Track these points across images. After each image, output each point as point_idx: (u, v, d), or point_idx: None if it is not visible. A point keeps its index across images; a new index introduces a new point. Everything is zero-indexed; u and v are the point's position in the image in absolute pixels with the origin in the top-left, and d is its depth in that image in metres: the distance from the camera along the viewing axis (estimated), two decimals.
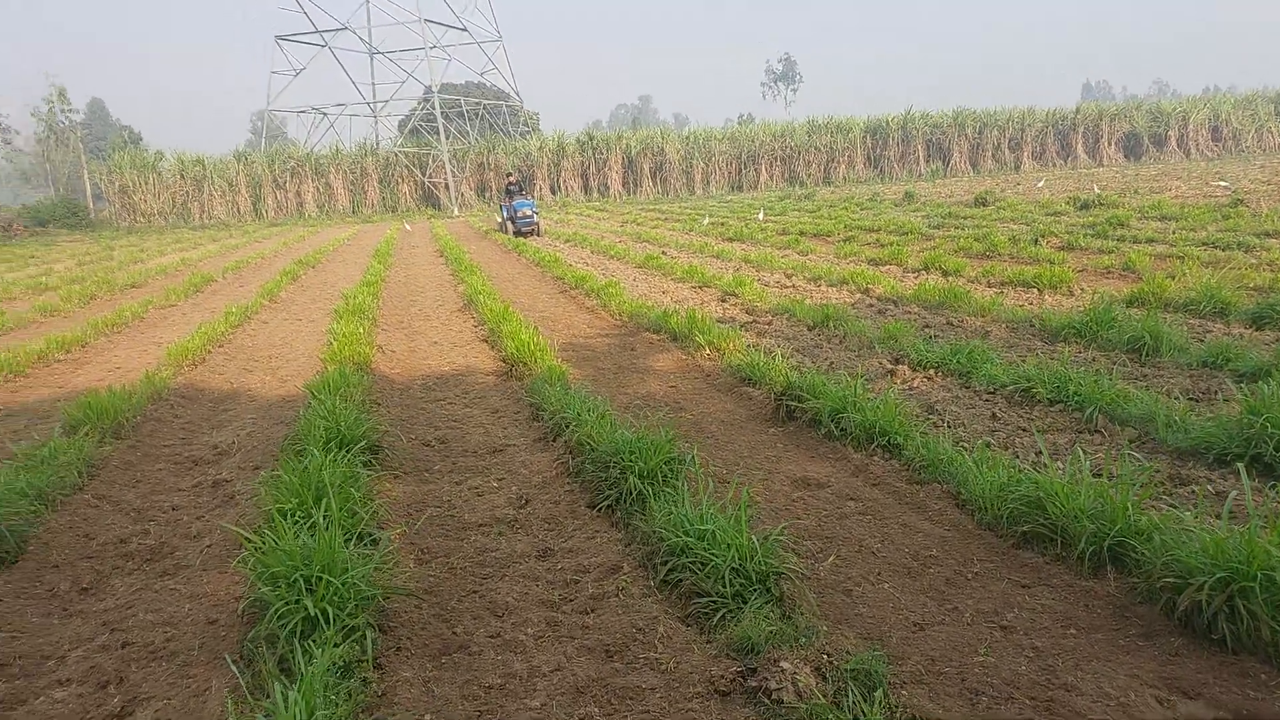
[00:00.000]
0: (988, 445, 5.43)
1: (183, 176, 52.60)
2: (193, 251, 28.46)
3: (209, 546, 4.59)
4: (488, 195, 53.68)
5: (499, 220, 30.01)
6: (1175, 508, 4.10)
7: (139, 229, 48.79)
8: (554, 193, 55.89)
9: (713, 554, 3.65)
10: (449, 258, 20.16)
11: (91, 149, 73.23)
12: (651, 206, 44.43)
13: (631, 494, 4.58)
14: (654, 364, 8.55)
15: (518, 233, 27.05)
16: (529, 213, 27.44)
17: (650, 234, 24.57)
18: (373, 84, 62.91)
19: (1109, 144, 63.68)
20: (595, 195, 56.21)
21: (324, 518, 3.76)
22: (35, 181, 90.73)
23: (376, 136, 60.59)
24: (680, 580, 3.73)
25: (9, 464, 5.53)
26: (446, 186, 53.51)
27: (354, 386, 6.95)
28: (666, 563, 3.85)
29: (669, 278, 14.86)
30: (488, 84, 68.47)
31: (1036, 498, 4.05)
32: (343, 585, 3.30)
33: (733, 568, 3.56)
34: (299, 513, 4.02)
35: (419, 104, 63.10)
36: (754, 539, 3.65)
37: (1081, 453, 4.22)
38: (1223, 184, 27.36)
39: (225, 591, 4.01)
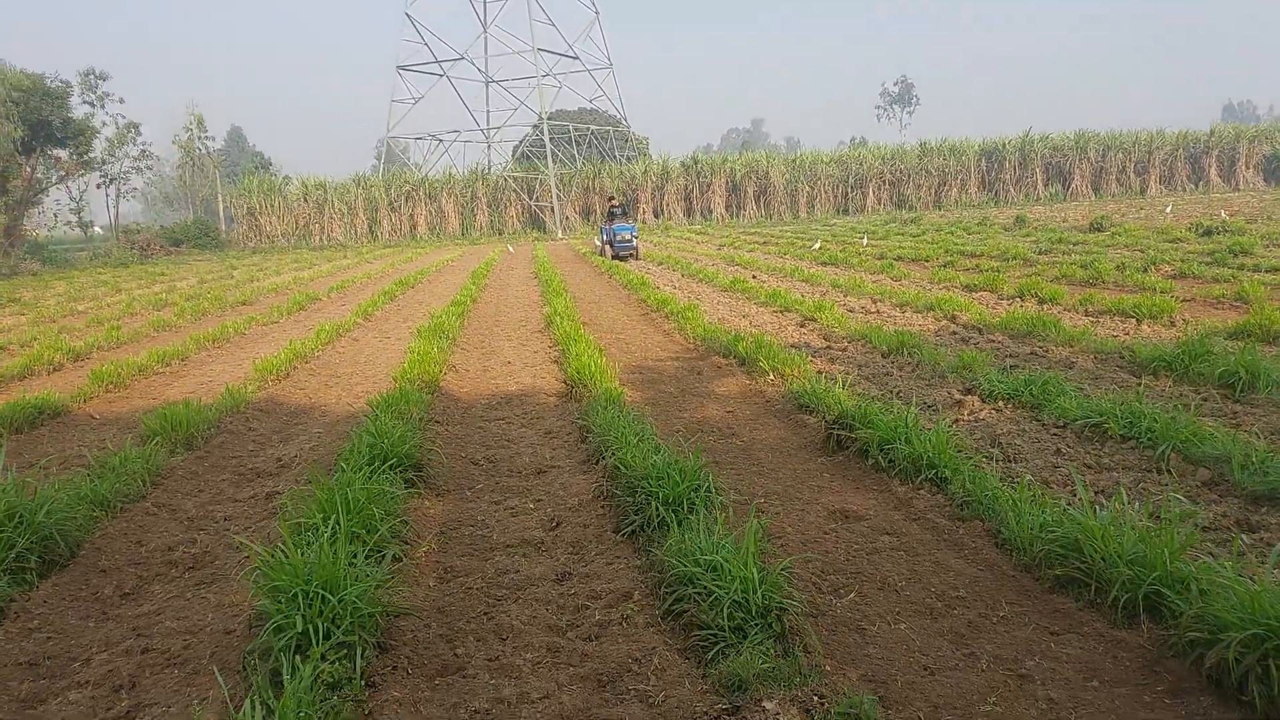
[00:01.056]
0: (1045, 483, 5.16)
1: (305, 200, 55.30)
2: (306, 271, 29.80)
3: (246, 558, 4.74)
4: (592, 218, 54.46)
5: (597, 243, 30.08)
6: (1230, 555, 3.79)
7: (264, 249, 51.51)
8: (657, 216, 56.30)
9: (717, 585, 3.55)
10: (542, 280, 20.49)
11: (228, 174, 77.81)
12: (752, 230, 44.26)
13: (655, 520, 4.51)
14: (717, 388, 8.46)
15: (616, 256, 26.69)
16: (628, 236, 27.17)
17: (744, 257, 24.45)
18: (487, 111, 64.83)
19: (1246, 167, 60.11)
20: (698, 218, 56.36)
21: (331, 535, 3.82)
22: (177, 204, 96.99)
23: (489, 162, 62.43)
24: (684, 611, 3.64)
25: (81, 471, 5.86)
26: (552, 210, 54.55)
27: (413, 404, 7.10)
28: (673, 592, 3.77)
29: (752, 301, 14.72)
30: (600, 110, 69.67)
31: (1075, 539, 3.80)
32: (339, 602, 3.34)
33: (735, 601, 3.45)
34: (323, 528, 4.10)
35: (531, 130, 64.67)
36: (754, 572, 3.52)
37: (1124, 493, 3.93)
38: None
39: (248, 603, 4.12)
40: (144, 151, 50.49)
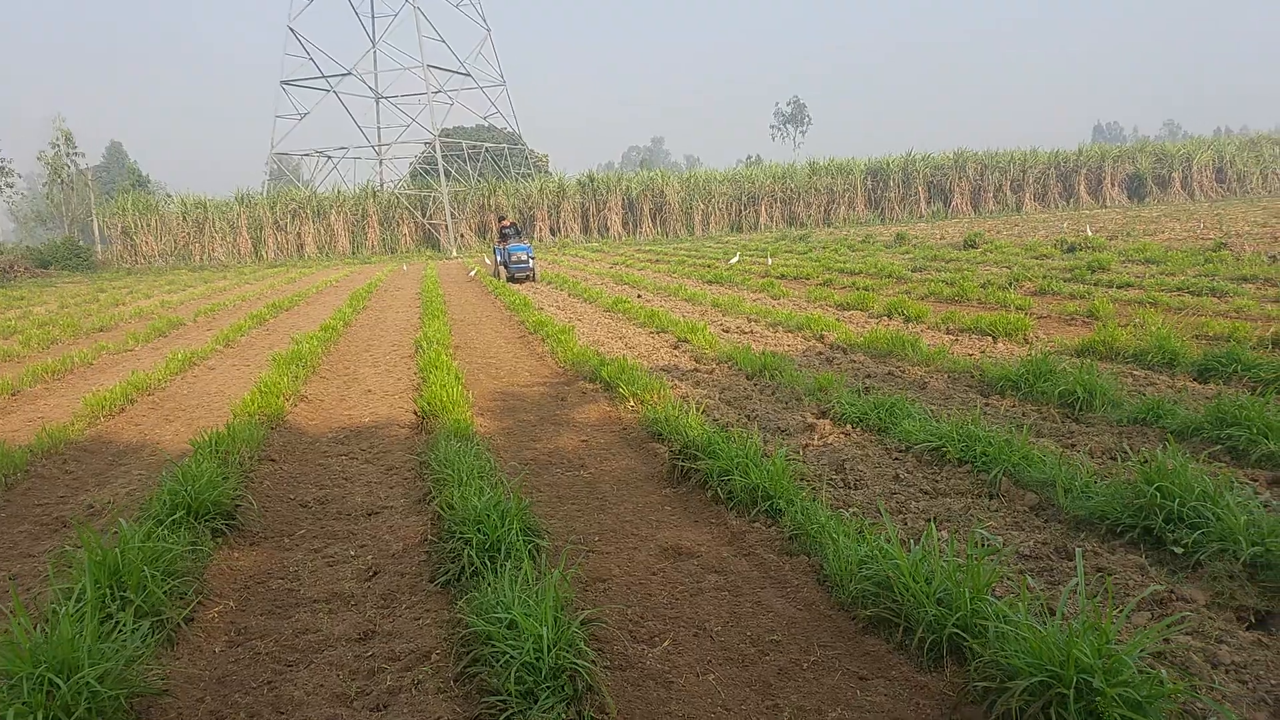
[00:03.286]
0: (879, 511, 5.11)
1: (185, 219, 52.96)
2: (178, 294, 28.42)
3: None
4: (488, 236, 53.77)
5: (488, 263, 28.75)
6: (1045, 588, 3.76)
7: (139, 270, 49.08)
8: (554, 234, 56.02)
9: (510, 645, 3.32)
10: (426, 300, 19.98)
11: (106, 191, 74.07)
12: (649, 247, 44.40)
13: (469, 569, 4.26)
14: (577, 416, 8.25)
15: (511, 278, 25.21)
16: (524, 257, 25.57)
17: (633, 276, 24.39)
18: (378, 128, 63.44)
19: (1112, 185, 63.45)
20: (595, 236, 56.29)
21: (74, 606, 3.44)
22: (51, 223, 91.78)
23: (380, 179, 61.03)
24: (476, 674, 3.40)
25: None
26: (446, 228, 53.67)
27: (243, 442, 6.66)
28: (469, 651, 3.52)
29: (632, 322, 14.60)
30: (498, 127, 69.01)
31: (886, 577, 3.71)
32: (69, 688, 2.97)
33: (525, 662, 3.23)
34: (88, 595, 3.69)
35: (424, 147, 63.59)
36: (547, 630, 3.30)
37: (934, 525, 3.88)
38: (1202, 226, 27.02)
39: None
40: (3, 168, 47.48)
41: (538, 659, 3.24)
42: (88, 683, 3.00)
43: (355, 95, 60.54)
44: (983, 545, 4.05)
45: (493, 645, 3.38)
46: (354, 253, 54.00)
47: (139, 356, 14.02)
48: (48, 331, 16.92)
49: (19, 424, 9.08)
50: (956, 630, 3.32)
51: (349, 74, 58.46)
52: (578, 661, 3.23)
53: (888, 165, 60.53)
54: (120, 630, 3.48)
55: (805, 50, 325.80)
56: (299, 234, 54.12)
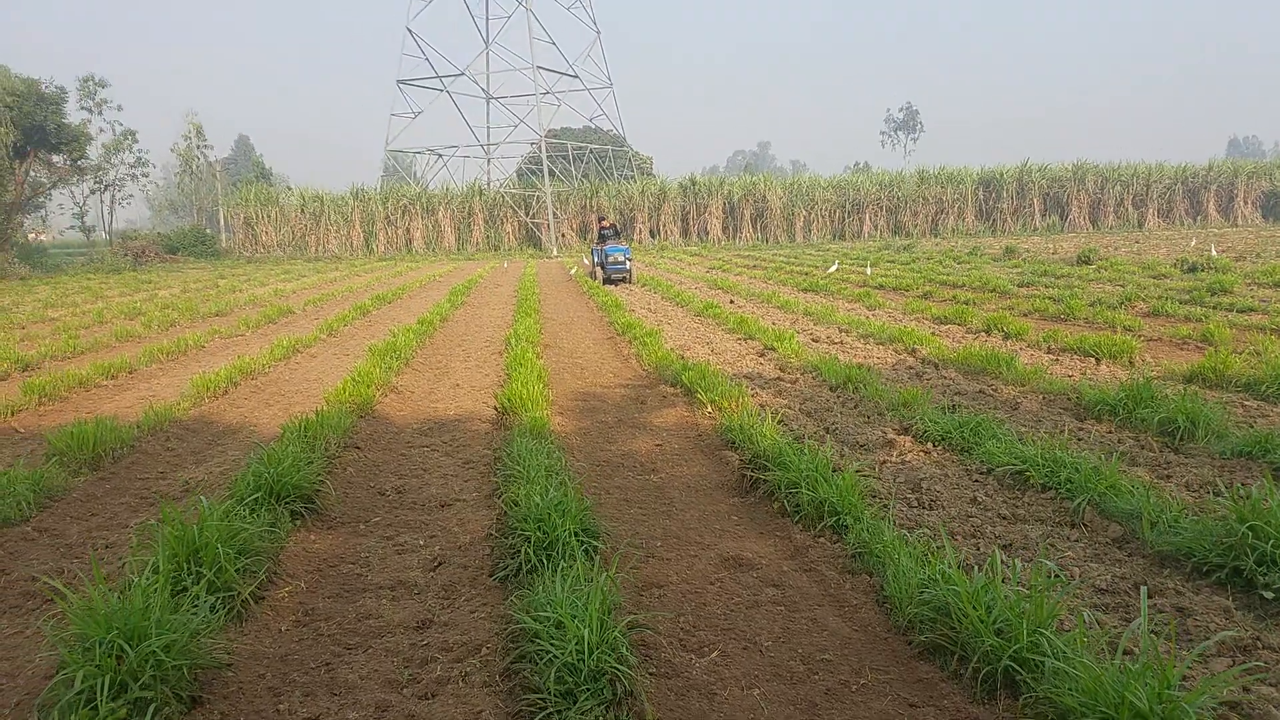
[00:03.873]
0: (952, 534, 4.96)
1: (302, 211, 55.30)
2: (292, 283, 29.69)
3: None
4: (589, 237, 54.37)
5: (587, 263, 28.41)
6: (1118, 623, 3.59)
7: (258, 259, 51.50)
8: (653, 236, 56.29)
9: (554, 644, 3.35)
10: (521, 298, 20.34)
11: (234, 183, 78.09)
12: (747, 252, 44.16)
13: (527, 566, 4.31)
14: (654, 420, 8.26)
15: (607, 280, 24.98)
16: (621, 258, 25.27)
17: (728, 281, 24.28)
18: (488, 127, 64.89)
19: (1245, 203, 60.08)
20: (695, 240, 56.31)
21: (149, 576, 3.63)
22: (181, 212, 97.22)
23: (488, 178, 62.44)
24: (520, 671, 3.44)
25: None
26: (548, 227, 54.53)
27: (331, 429, 6.90)
28: (516, 648, 3.57)
29: (721, 327, 14.55)
30: (604, 129, 69.72)
31: (945, 603, 3.59)
32: (137, 655, 3.13)
33: (566, 663, 3.25)
34: (163, 569, 3.90)
35: (530, 147, 64.76)
36: (590, 632, 3.32)
37: (998, 553, 3.72)
38: None
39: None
40: (140, 159, 50.59)
41: (580, 660, 3.26)
42: (153, 651, 3.16)
43: (467, 95, 62.21)
44: (1050, 576, 3.87)
45: (538, 643, 3.42)
46: (459, 249, 55.41)
47: (248, 342, 14.70)
48: (168, 314, 17.91)
49: (132, 401, 9.62)
50: (1012, 663, 3.19)
51: (462, 74, 59.92)
52: (618, 666, 3.23)
53: (1001, 175, 58.68)
54: (191, 603, 3.65)
55: (922, 55, 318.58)
56: (408, 229, 55.84)
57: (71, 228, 63.71)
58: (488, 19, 62.33)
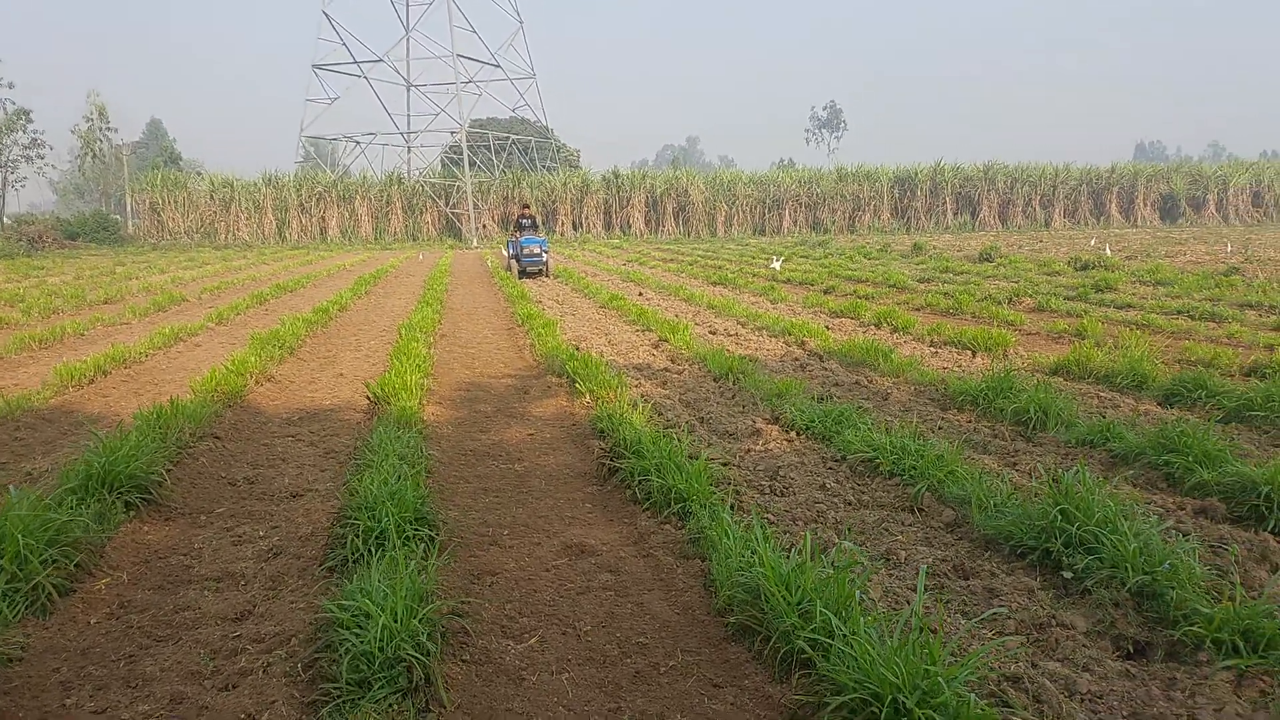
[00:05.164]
0: (794, 520, 5.04)
1: (212, 197, 53.59)
2: (193, 270, 28.75)
3: None
4: (511, 228, 53.92)
5: (504, 255, 26.91)
6: (939, 606, 3.68)
7: (164, 246, 49.72)
8: (576, 229, 56.12)
9: (354, 633, 3.30)
10: (428, 288, 20.05)
11: (145, 167, 75.26)
12: (667, 246, 44.35)
13: (354, 555, 4.24)
14: (534, 409, 8.22)
15: (523, 273, 23.93)
16: (537, 250, 24.10)
17: (641, 274, 24.35)
18: (408, 115, 63.90)
19: (1145, 205, 62.61)
20: (618, 233, 56.29)
21: None
22: (88, 196, 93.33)
23: (408, 167, 61.43)
24: (322, 660, 3.38)
25: None
26: (468, 218, 53.91)
27: (187, 418, 6.68)
28: (322, 638, 3.50)
29: (623, 319, 14.56)
30: (530, 120, 69.08)
31: (757, 585, 3.64)
32: None
33: (363, 651, 3.20)
34: None
35: (451, 136, 63.91)
36: (389, 619, 3.27)
37: (809, 536, 3.79)
38: (1229, 248, 26.58)
39: None
40: (35, 140, 48.30)
41: (381, 649, 3.21)
42: None
43: (386, 82, 60.94)
44: (854, 559, 3.94)
45: (341, 633, 3.35)
46: (377, 238, 54.42)
47: (133, 330, 14.16)
48: (51, 301, 17.17)
49: None
50: (807, 643, 3.25)
51: (381, 60, 58.85)
52: (414, 654, 3.19)
53: (915, 174, 60.06)
54: None
55: (844, 55, 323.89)
56: (323, 217, 54.61)
57: None
58: (408, 5, 61.37)
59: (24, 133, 48.07)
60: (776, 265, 25.03)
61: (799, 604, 3.45)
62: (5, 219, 57.29)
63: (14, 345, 11.54)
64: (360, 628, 3.32)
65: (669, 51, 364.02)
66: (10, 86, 47.11)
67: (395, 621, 3.28)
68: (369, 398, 8.10)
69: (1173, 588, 3.68)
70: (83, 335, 13.34)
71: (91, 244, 49.54)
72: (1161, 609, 3.67)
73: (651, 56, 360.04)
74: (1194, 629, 3.47)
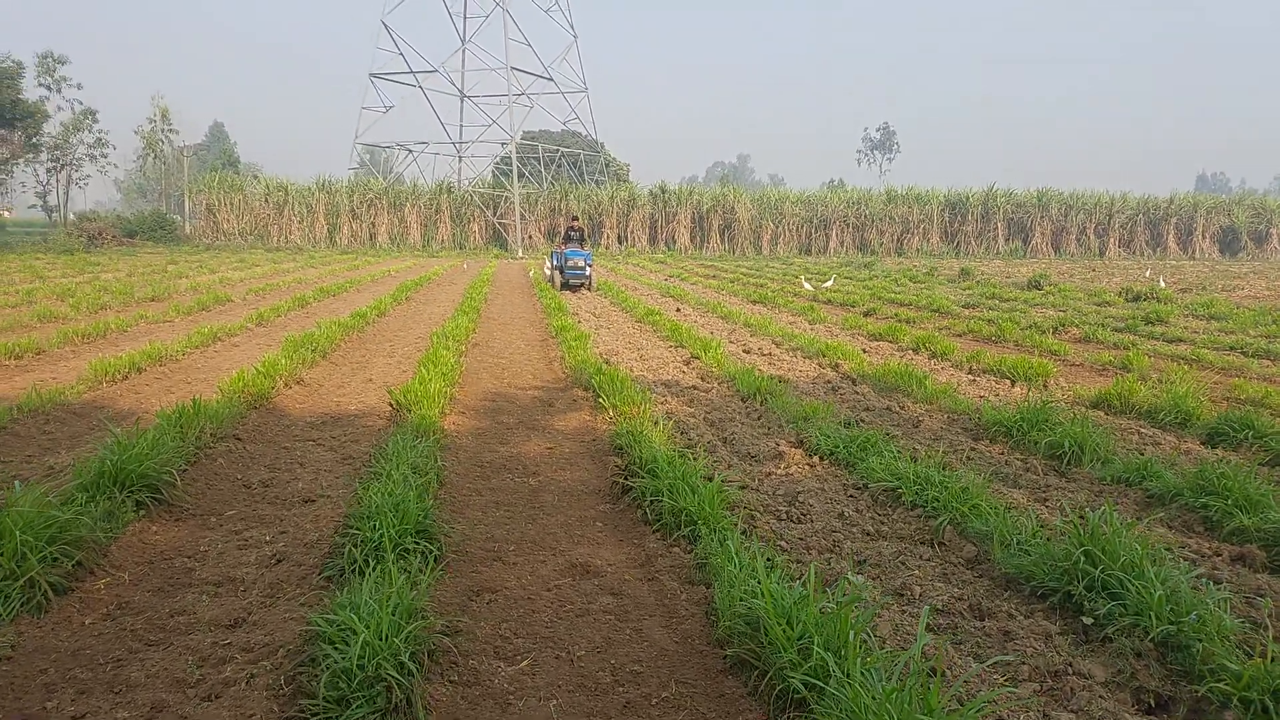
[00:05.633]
0: (807, 548, 4.88)
1: (266, 200, 54.64)
2: (242, 271, 29.25)
3: None
4: (556, 239, 54.19)
5: (547, 268, 26.30)
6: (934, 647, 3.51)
7: (218, 246, 50.76)
8: (621, 242, 56.23)
9: (336, 648, 3.22)
10: (468, 297, 20.14)
11: (209, 168, 77.13)
12: (711, 263, 44.20)
13: (350, 566, 4.17)
14: (556, 422, 8.14)
15: (565, 285, 23.73)
16: (581, 264, 23.80)
17: (681, 290, 24.23)
18: (460, 125, 64.58)
19: (1204, 237, 61.12)
20: (663, 248, 56.27)
21: None
22: (150, 196, 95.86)
23: (459, 176, 62.10)
24: (300, 674, 3.30)
25: None
26: (514, 228, 54.28)
27: (209, 419, 6.71)
28: (306, 651, 3.43)
29: (657, 334, 14.46)
30: (582, 133, 69.48)
31: (757, 618, 3.50)
32: None
33: (343, 668, 3.12)
34: None
35: (501, 147, 64.50)
36: (371, 636, 3.19)
37: (813, 569, 3.64)
38: None
39: None
40: (99, 139, 49.67)
41: (361, 667, 3.13)
42: None
43: (440, 92, 61.67)
44: (859, 595, 3.78)
45: (324, 647, 3.28)
46: (424, 246, 55.02)
47: (175, 328, 14.38)
48: (101, 298, 17.52)
49: (28, 382, 9.31)
50: (804, 681, 3.10)
51: (436, 71, 59.62)
52: (394, 674, 3.10)
53: (967, 199, 59.28)
54: None
55: (901, 77, 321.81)
56: (373, 223, 55.35)
57: (33, 207, 62.51)
58: (465, 17, 62.14)
59: (89, 132, 49.45)
60: (807, 285, 24.69)
61: (800, 639, 3.31)
62: (70, 215, 59.01)
63: (58, 339, 11.76)
64: (344, 643, 3.24)
65: (723, 69, 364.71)
66: (79, 87, 48.55)
67: (379, 639, 3.21)
68: (391, 405, 8.08)
69: (1200, 639, 3.48)
70: (125, 332, 13.57)
71: (149, 242, 50.73)
72: (1187, 662, 3.47)
73: (706, 73, 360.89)
74: (1221, 685, 3.25)
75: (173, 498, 5.37)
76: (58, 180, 50.02)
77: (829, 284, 25.26)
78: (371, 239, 55.18)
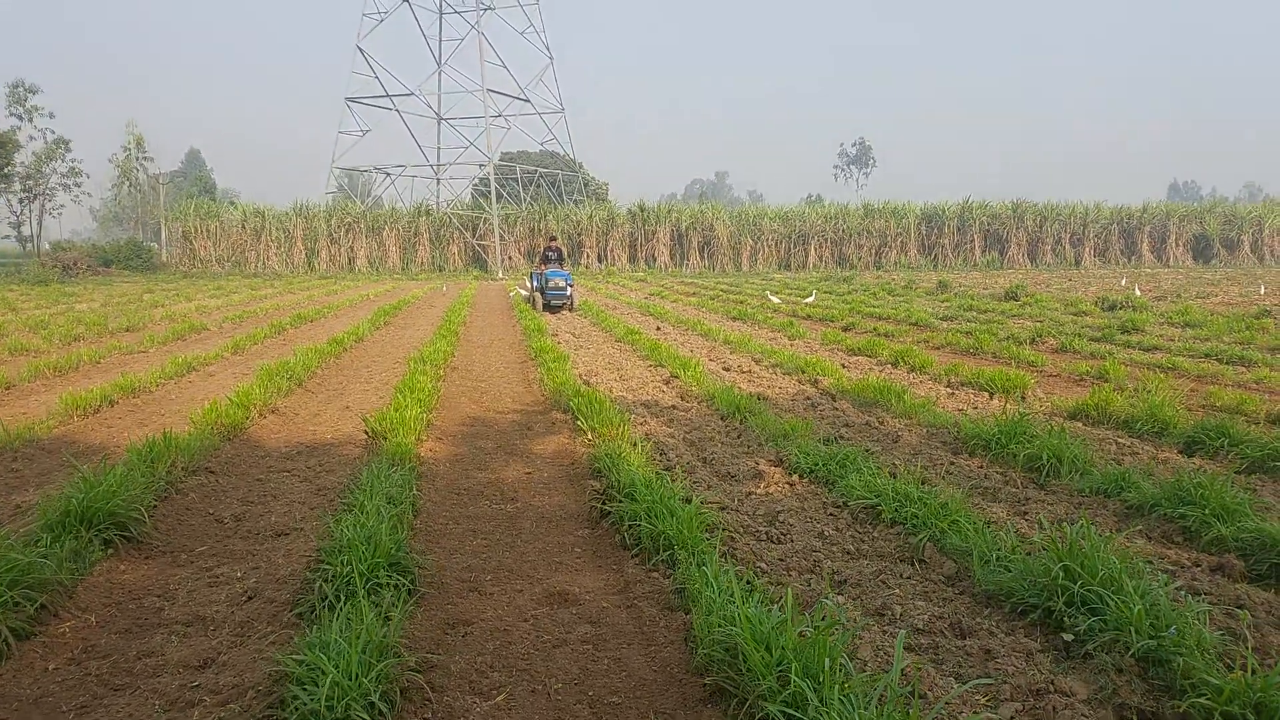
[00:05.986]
0: (788, 569, 4.84)
1: (243, 226, 54.37)
2: (219, 299, 29.03)
3: None
4: (536, 260, 54.14)
5: (526, 287, 26.24)
6: (914, 667, 3.47)
7: (195, 274, 50.43)
8: (601, 261, 56.25)
9: (305, 690, 3.15)
10: (446, 320, 20.05)
11: (184, 195, 76.73)
12: (690, 280, 44.30)
13: (321, 601, 4.10)
14: (535, 447, 8.08)
15: (546, 306, 23.40)
16: (562, 284, 23.46)
17: (661, 308, 24.23)
18: (438, 148, 64.66)
19: (1177, 245, 61.80)
20: (643, 266, 56.34)
21: None
22: (126, 224, 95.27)
23: (438, 198, 62.05)
24: (269, 717, 3.22)
25: None
26: (494, 250, 54.23)
27: (182, 452, 6.61)
28: (276, 692, 3.35)
29: (636, 353, 14.43)
30: (559, 153, 69.62)
31: (735, 644, 3.45)
32: None
33: (311, 709, 3.04)
34: None
35: (479, 169, 64.54)
36: (333, 676, 3.12)
37: (789, 592, 3.60)
38: (1261, 291, 26.06)
39: None
40: (73, 169, 49.34)
41: (330, 708, 3.06)
42: None
43: (417, 115, 61.72)
44: (834, 618, 3.74)
45: (291, 689, 3.20)
46: (404, 269, 54.85)
47: (150, 358, 14.22)
48: (74, 329, 17.31)
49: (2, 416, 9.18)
50: (783, 709, 3.06)
51: (412, 94, 59.67)
52: (362, 715, 3.03)
53: (943, 211, 59.75)
54: None
55: (874, 93, 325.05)
56: (351, 247, 55.16)
57: (6, 237, 61.93)
58: (440, 40, 62.40)
59: (62, 161, 49.10)
60: (774, 299, 24.73)
61: (778, 665, 3.26)
62: (45, 245, 58.50)
63: (29, 373, 11.60)
64: (313, 683, 3.17)
65: (700, 86, 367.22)
66: (51, 116, 48.25)
67: (348, 678, 3.14)
68: (366, 433, 7.99)
69: (1180, 654, 3.46)
70: (98, 364, 13.40)
71: (125, 271, 50.35)
72: (1168, 677, 3.45)
73: (682, 91, 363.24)
74: (1202, 700, 3.23)
75: (142, 535, 5.27)
76: (30, 210, 49.63)
77: (810, 299, 25.36)
78: (350, 263, 54.97)
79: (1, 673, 3.70)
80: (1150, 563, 4.68)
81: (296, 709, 3.08)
